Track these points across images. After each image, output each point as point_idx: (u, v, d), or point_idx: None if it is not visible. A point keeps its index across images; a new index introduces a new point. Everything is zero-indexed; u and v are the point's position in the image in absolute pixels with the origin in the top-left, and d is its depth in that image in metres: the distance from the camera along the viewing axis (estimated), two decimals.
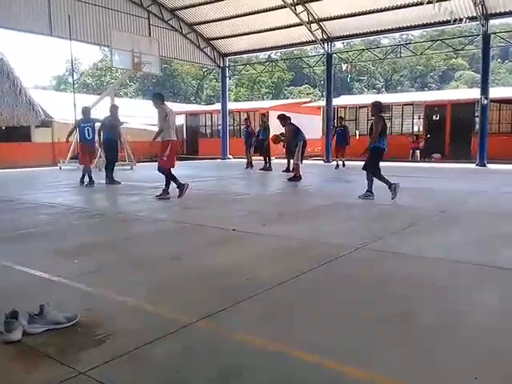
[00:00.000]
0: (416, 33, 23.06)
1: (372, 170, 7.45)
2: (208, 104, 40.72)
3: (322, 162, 19.46)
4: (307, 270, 3.54)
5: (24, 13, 14.61)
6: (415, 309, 2.82)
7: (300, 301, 2.97)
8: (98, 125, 10.64)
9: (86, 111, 10.51)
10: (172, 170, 7.95)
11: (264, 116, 15.44)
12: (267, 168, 14.22)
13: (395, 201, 7.26)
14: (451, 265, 3.76)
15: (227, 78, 23.58)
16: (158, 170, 7.88)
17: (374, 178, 7.42)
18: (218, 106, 24.98)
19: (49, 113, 19.72)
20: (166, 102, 8.08)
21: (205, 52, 21.84)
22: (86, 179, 10.08)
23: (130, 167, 15.40)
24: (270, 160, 14.45)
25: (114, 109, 10.81)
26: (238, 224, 5.34)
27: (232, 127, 25.24)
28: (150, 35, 18.38)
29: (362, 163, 7.65)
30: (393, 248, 4.26)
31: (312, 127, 23.75)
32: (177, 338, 2.40)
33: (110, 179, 10.34)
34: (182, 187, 7.82)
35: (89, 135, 10.21)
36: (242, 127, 19.54)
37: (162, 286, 3.25)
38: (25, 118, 18.45)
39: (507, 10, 15.36)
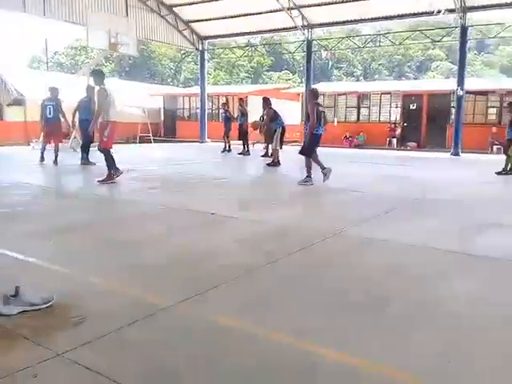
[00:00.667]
0: (395, 22, 23.10)
1: (310, 155, 7.78)
2: (186, 87, 40.17)
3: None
4: (284, 256, 3.58)
5: None
6: (391, 296, 2.89)
7: (277, 287, 3.00)
8: (72, 106, 10.51)
9: (52, 90, 10.47)
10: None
11: (242, 101, 15.38)
12: (245, 152, 14.20)
13: (370, 187, 7.37)
14: (427, 251, 3.85)
15: (206, 61, 23.29)
16: (99, 150, 7.50)
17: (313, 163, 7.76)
18: (196, 89, 24.69)
19: (21, 91, 19.12)
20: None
21: (183, 34, 21.47)
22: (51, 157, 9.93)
23: None
24: (248, 145, 14.43)
25: (90, 89, 10.63)
26: (217, 208, 5.34)
27: (210, 111, 25.07)
28: (127, 15, 17.94)
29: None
30: (369, 234, 4.32)
31: (291, 113, 23.74)
32: (154, 321, 2.41)
33: (85, 160, 10.20)
34: (112, 174, 7.27)
35: (49, 113, 10.16)
36: (221, 111, 19.19)
37: (139, 269, 3.24)
38: None
39: (485, 4, 15.58)
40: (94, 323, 2.34)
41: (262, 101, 11.76)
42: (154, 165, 11.23)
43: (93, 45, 16.05)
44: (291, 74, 47.98)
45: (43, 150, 10.24)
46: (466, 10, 15.76)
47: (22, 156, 13.23)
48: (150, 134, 20.82)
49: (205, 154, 16.19)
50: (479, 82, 24.57)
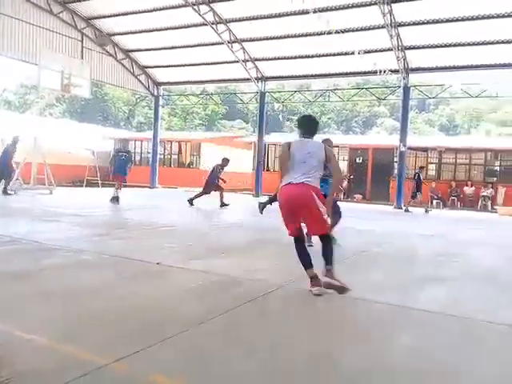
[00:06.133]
0: (344, 79, 24.52)
1: None
2: (139, 131, 40.08)
3: (251, 196, 19.70)
4: (231, 309, 3.51)
5: None
6: (337, 352, 2.87)
7: (221, 342, 2.91)
8: None
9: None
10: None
11: None
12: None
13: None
14: (368, 305, 3.89)
15: (160, 107, 23.46)
16: None
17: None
18: (149, 134, 24.68)
19: None
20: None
21: (139, 79, 21.68)
22: None
23: (49, 191, 14.58)
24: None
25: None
26: (164, 258, 5.20)
27: (162, 156, 25.10)
28: (82, 57, 17.95)
29: None
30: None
31: (243, 161, 24.15)
32: (89, 381, 2.25)
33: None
34: None
35: None
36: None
37: (76, 324, 3.06)
38: None
39: (425, 66, 16.89)
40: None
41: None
42: (101, 210, 10.92)
43: (44, 85, 15.78)
44: (244, 123, 49.06)
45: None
46: (408, 71, 16.96)
47: None
48: (98, 178, 20.38)
49: (154, 199, 15.96)
50: (420, 139, 26.15)
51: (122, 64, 20.67)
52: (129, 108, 47.69)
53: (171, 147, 26.22)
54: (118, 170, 12.44)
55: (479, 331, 3.38)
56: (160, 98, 22.90)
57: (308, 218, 4.16)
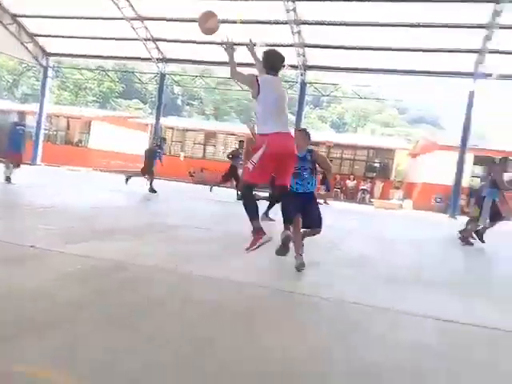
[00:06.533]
0: (247, 69, 25.00)
1: None
2: (23, 103, 36.78)
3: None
4: (114, 293, 3.39)
5: None
6: (217, 335, 2.92)
7: (104, 328, 2.81)
8: None
9: None
10: None
11: None
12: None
13: (216, 224, 7.50)
14: (251, 288, 4.02)
15: (49, 79, 21.74)
16: None
17: None
18: (34, 107, 22.76)
19: None
20: None
21: (26, 47, 19.84)
22: None
23: None
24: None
25: None
26: (39, 240, 4.85)
27: (48, 131, 23.39)
28: None
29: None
30: (202, 271, 4.34)
31: (137, 143, 23.34)
32: None
33: None
34: None
35: None
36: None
37: None
38: None
39: (322, 65, 17.72)
40: None
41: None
42: None
43: None
44: (142, 104, 47.43)
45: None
46: (306, 68, 17.66)
47: None
48: None
49: (35, 177, 14.83)
50: (312, 134, 27.48)
51: (8, 29, 18.74)
52: (13, 78, 43.50)
53: (58, 123, 24.48)
54: (14, 146, 11.26)
55: (352, 313, 3.67)
56: (49, 69, 21.22)
57: (286, 169, 4.32)
